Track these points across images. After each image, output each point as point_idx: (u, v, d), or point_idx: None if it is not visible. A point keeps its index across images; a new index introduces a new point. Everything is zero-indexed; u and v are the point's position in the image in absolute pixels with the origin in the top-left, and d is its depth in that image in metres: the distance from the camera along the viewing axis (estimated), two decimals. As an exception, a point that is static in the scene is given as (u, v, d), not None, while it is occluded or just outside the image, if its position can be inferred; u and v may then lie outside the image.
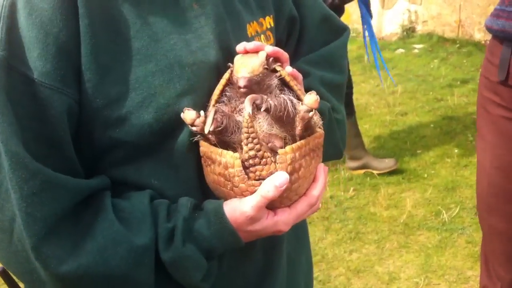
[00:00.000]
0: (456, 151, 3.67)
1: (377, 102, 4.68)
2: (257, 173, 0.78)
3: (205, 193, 0.87)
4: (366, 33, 3.50)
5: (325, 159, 0.91)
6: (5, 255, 0.79)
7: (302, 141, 0.80)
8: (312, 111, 0.79)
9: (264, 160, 0.78)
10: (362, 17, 3.44)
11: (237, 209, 0.79)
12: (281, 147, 0.78)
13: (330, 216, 3.10)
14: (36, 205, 0.74)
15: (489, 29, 1.68)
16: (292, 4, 1.04)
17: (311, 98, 0.79)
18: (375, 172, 3.46)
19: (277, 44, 1.01)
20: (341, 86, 1.09)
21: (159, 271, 0.81)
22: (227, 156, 0.79)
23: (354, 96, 3.76)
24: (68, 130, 0.78)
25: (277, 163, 0.77)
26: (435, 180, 3.37)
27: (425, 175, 3.44)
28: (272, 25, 0.99)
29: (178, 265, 0.80)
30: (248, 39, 0.92)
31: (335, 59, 1.09)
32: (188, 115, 0.80)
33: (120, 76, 0.80)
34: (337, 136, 1.03)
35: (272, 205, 0.81)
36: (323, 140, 0.85)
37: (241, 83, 0.80)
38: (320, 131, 0.85)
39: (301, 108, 0.79)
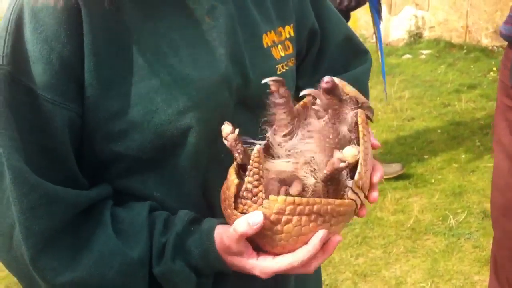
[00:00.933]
0: (463, 156, 3.68)
1: (384, 108, 4.69)
2: (246, 207, 0.77)
3: (210, 208, 0.87)
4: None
5: None
6: (6, 258, 0.80)
7: (304, 199, 0.74)
8: (344, 162, 0.74)
9: (255, 198, 0.76)
10: (375, 22, 3.45)
11: (220, 235, 0.80)
12: (297, 193, 0.76)
13: (337, 221, 3.11)
14: (34, 219, 0.76)
15: (500, 33, 1.73)
16: (314, 18, 1.04)
17: (350, 152, 0.74)
18: (382, 177, 3.46)
19: (296, 55, 1.01)
20: None
21: (155, 282, 0.82)
22: (231, 178, 0.78)
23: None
24: (69, 143, 0.79)
25: (263, 206, 0.75)
26: (442, 185, 3.38)
27: (432, 180, 3.44)
28: (292, 34, 0.98)
29: (168, 280, 0.81)
30: (264, 50, 0.92)
31: (362, 84, 1.09)
32: (225, 128, 0.79)
33: (123, 91, 0.80)
34: None
35: (258, 246, 0.79)
36: (347, 211, 0.78)
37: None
38: (347, 201, 0.78)
39: (336, 155, 0.75)
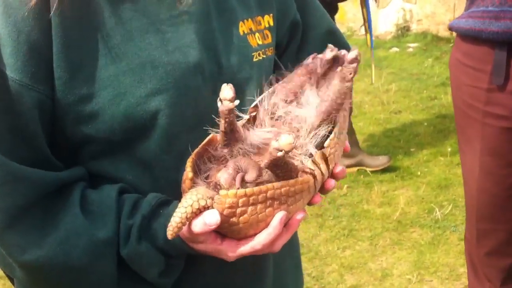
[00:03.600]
0: (449, 149, 3.70)
1: (371, 100, 4.70)
2: None
3: (181, 193, 0.86)
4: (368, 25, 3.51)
5: None
6: None
7: (255, 188, 0.73)
8: (281, 151, 0.70)
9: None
10: (365, 4, 3.44)
11: None
12: (253, 179, 0.74)
13: (324, 213, 3.12)
14: (0, 196, 0.77)
15: (479, 32, 1.62)
16: (296, 9, 1.03)
17: (285, 140, 0.70)
18: (368, 169, 3.48)
19: (277, 47, 1.01)
20: None
21: (124, 263, 0.83)
22: (186, 171, 0.77)
23: (349, 94, 3.78)
24: (39, 125, 0.80)
25: (215, 203, 0.73)
26: (428, 178, 3.40)
27: (418, 173, 3.46)
28: (272, 24, 0.98)
29: (135, 261, 0.82)
30: (240, 38, 0.91)
31: None
32: (224, 91, 0.74)
33: (91, 73, 0.81)
34: None
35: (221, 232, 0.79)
36: (303, 188, 0.77)
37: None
38: (301, 178, 0.76)
39: (273, 144, 0.71)
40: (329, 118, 0.80)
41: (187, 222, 0.73)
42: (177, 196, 0.84)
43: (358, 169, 3.52)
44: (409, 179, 3.41)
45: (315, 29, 1.07)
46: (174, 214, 0.73)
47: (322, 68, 0.81)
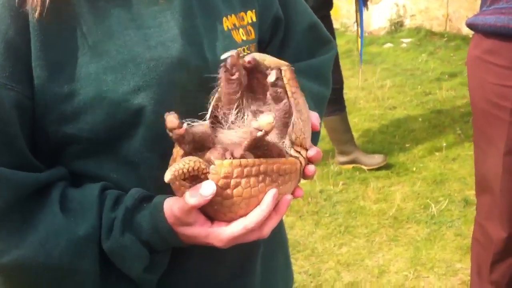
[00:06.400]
0: (444, 144, 3.70)
1: (366, 96, 4.70)
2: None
3: (167, 192, 0.85)
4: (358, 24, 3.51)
5: None
6: None
7: (249, 160, 0.73)
8: (261, 131, 0.71)
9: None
10: (359, 9, 3.44)
11: (170, 207, 0.78)
12: (241, 154, 0.74)
13: (320, 210, 3.11)
14: None
15: (491, 27, 1.57)
16: (279, 5, 1.03)
17: (265, 119, 0.71)
18: (364, 167, 3.48)
19: (259, 43, 1.00)
20: (326, 100, 1.09)
21: (106, 260, 0.81)
22: (175, 149, 0.77)
23: (343, 91, 3.77)
24: (18, 125, 0.79)
25: (210, 173, 0.73)
26: (423, 174, 3.39)
27: (414, 169, 3.46)
28: (254, 20, 0.97)
29: (118, 255, 0.81)
30: (224, 33, 0.91)
31: (323, 72, 1.09)
32: (169, 121, 0.73)
33: (72, 72, 0.80)
34: None
35: (210, 216, 0.78)
36: (292, 169, 0.78)
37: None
38: (290, 158, 0.77)
39: (253, 124, 0.72)
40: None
41: (186, 175, 0.71)
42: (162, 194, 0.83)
43: (353, 166, 3.51)
44: (404, 175, 3.41)
45: (297, 24, 1.06)
46: (174, 164, 0.72)
47: (239, 72, 0.79)
